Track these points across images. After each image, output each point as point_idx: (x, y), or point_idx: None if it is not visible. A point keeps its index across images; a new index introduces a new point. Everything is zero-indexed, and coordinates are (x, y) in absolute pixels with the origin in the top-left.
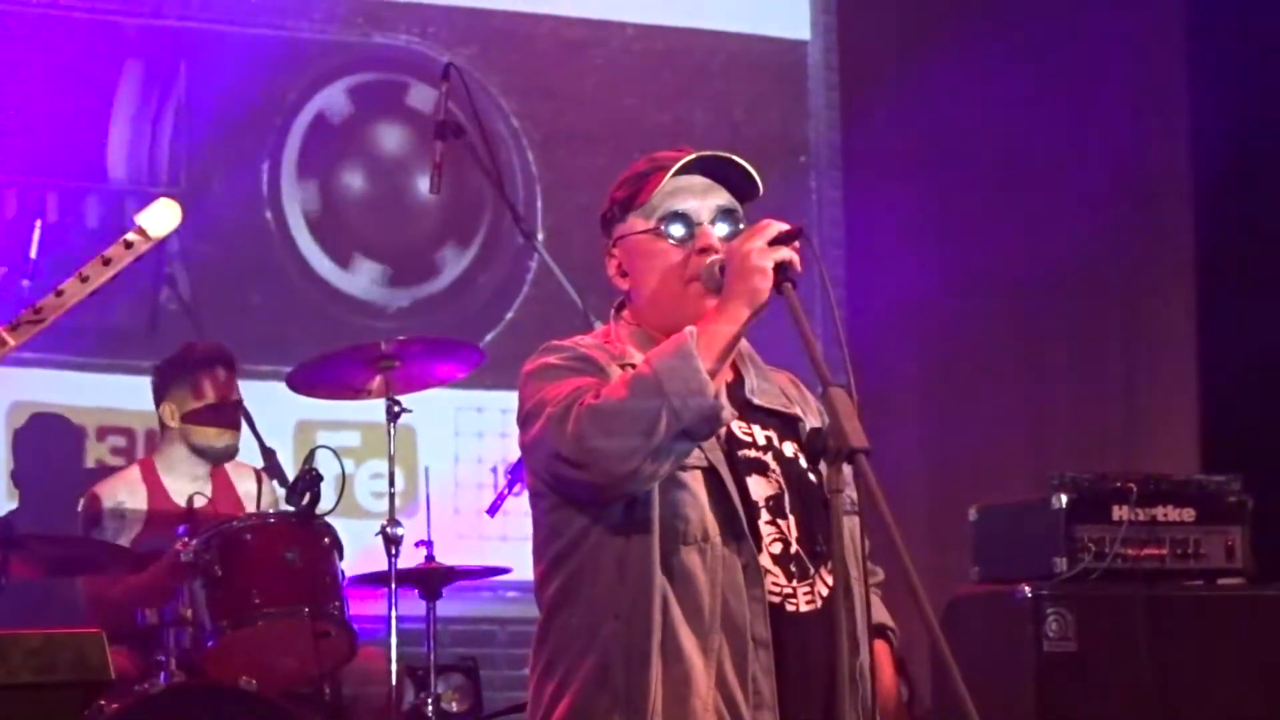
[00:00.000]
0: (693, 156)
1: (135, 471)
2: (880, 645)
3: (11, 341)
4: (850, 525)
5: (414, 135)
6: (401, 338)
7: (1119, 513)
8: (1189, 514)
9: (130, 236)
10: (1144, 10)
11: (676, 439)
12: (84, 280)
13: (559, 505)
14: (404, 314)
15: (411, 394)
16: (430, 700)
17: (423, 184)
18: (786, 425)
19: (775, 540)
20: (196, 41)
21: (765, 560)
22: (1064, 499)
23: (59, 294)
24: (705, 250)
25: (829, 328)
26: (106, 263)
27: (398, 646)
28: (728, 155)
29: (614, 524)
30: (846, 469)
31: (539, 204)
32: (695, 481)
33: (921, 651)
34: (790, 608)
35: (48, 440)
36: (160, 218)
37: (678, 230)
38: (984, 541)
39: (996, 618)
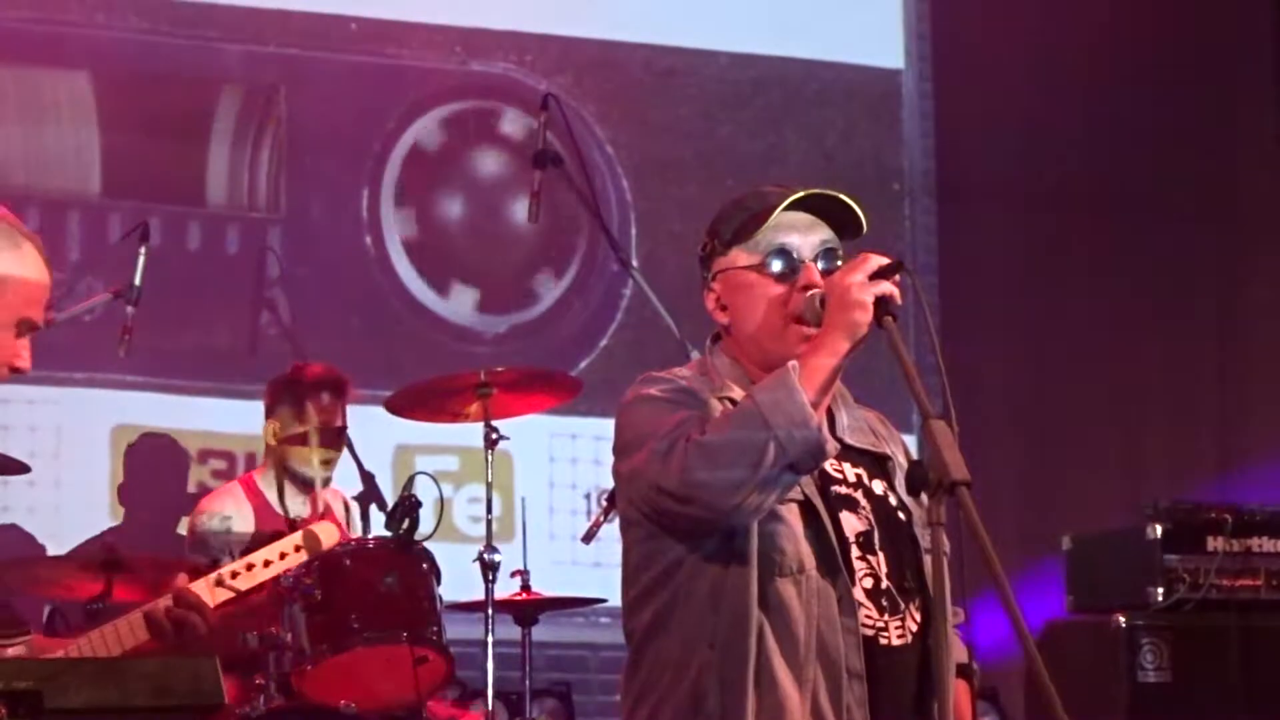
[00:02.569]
0: (801, 194)
1: (238, 488)
2: (960, 685)
3: (216, 599)
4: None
5: (512, 162)
6: (500, 369)
7: (1214, 543)
8: None
9: (306, 540)
10: (1230, 29)
11: (782, 472)
12: (267, 565)
13: (654, 534)
14: (500, 340)
15: (509, 419)
16: None
17: (520, 211)
18: (876, 464)
19: (866, 575)
20: (296, 67)
21: (858, 594)
22: (1158, 529)
23: (250, 567)
24: (808, 287)
25: (927, 359)
26: (283, 556)
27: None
28: (834, 193)
29: (710, 554)
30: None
31: (633, 231)
32: (791, 514)
33: (1015, 680)
34: (883, 641)
35: (152, 462)
36: (327, 534)
37: (781, 266)
38: (1077, 571)
39: (1090, 647)
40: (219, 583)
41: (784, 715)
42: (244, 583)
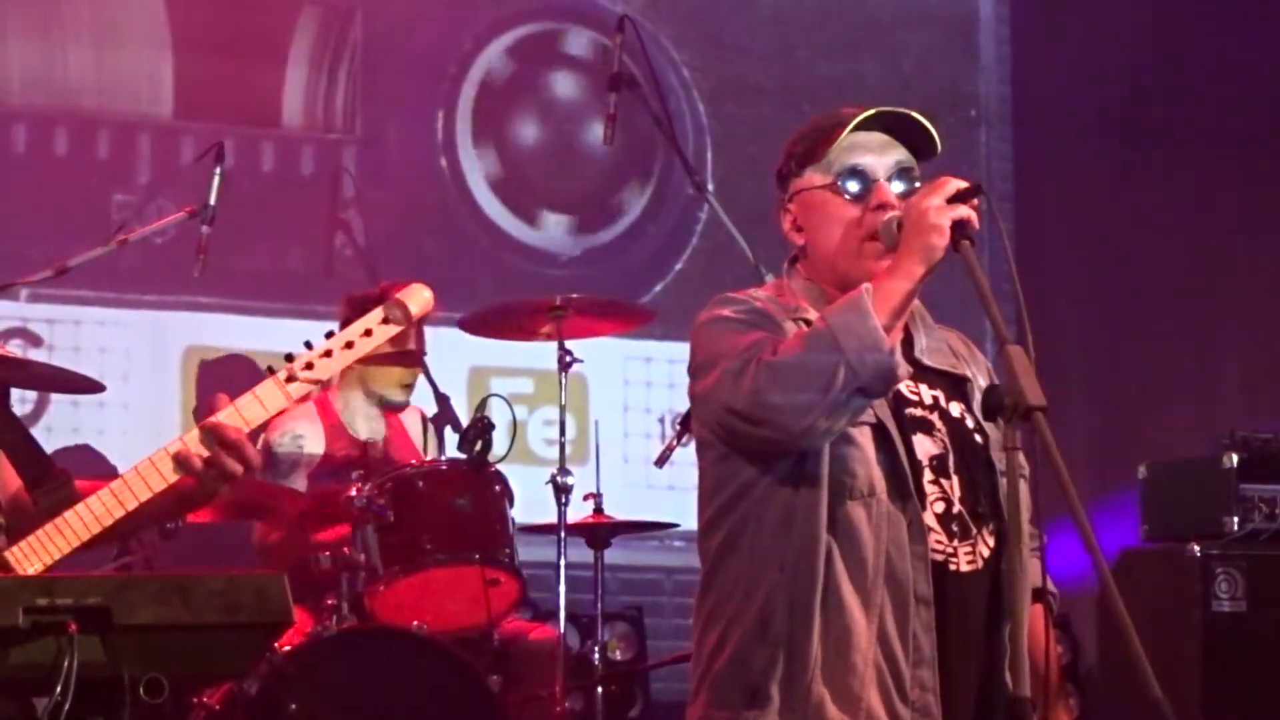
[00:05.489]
0: (871, 112)
1: (311, 407)
2: (1036, 609)
3: (293, 397)
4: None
5: (586, 84)
6: (575, 295)
7: None
8: None
9: (389, 311)
10: None
11: (853, 395)
12: (349, 347)
13: (727, 455)
14: (575, 262)
15: (581, 340)
16: (596, 648)
17: (595, 133)
18: (954, 386)
19: (938, 499)
20: None
21: (929, 519)
22: (1234, 458)
23: (327, 354)
24: (881, 207)
25: (1003, 286)
26: (368, 333)
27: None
28: (907, 111)
29: (782, 476)
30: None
31: (709, 155)
32: (863, 437)
33: (1085, 609)
34: (952, 567)
35: (225, 383)
36: (418, 299)
37: (854, 186)
38: (1152, 499)
39: (1164, 576)
40: (290, 379)
41: (850, 639)
42: (323, 371)
